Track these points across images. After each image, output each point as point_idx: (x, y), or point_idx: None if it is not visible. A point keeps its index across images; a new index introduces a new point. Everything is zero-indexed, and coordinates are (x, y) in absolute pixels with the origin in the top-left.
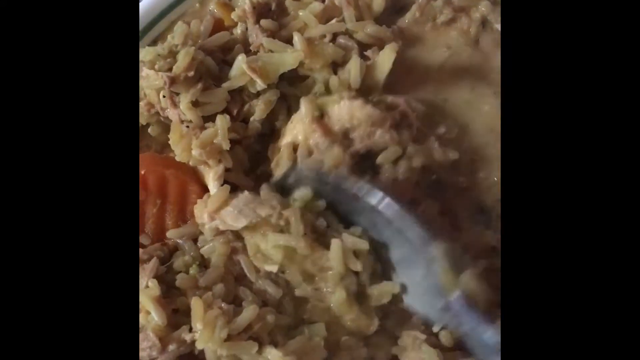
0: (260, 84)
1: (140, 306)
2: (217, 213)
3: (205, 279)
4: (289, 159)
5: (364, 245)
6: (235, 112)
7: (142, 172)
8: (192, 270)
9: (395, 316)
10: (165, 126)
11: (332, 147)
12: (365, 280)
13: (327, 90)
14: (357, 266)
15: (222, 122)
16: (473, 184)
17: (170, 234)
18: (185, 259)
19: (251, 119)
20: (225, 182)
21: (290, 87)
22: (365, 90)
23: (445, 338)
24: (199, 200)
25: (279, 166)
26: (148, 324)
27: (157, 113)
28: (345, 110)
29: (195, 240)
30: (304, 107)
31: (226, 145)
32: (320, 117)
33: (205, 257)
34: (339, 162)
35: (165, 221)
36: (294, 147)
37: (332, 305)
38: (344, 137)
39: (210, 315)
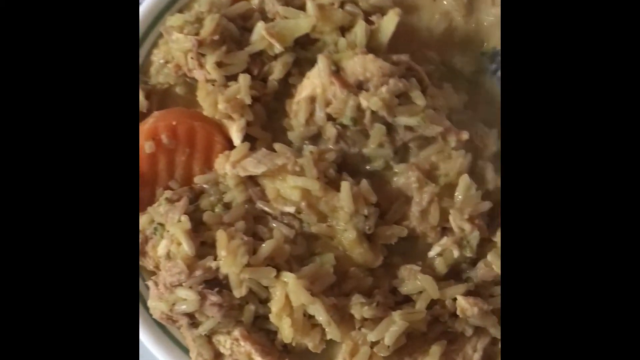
0: (277, 48)
1: (172, 237)
2: (239, 163)
3: (229, 217)
4: (307, 110)
5: (372, 196)
6: (255, 72)
7: (173, 123)
8: (217, 209)
9: (399, 254)
10: (190, 86)
11: (349, 97)
12: (372, 223)
13: (337, 51)
14: (365, 211)
15: (244, 80)
16: None
17: (198, 179)
18: (210, 199)
19: (269, 78)
20: (246, 134)
21: (302, 51)
22: (370, 51)
23: (439, 265)
24: (220, 155)
25: (297, 117)
26: (178, 254)
27: (184, 74)
28: (359, 64)
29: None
30: (321, 63)
31: (248, 100)
32: (336, 71)
33: (228, 201)
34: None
35: (193, 168)
36: (311, 100)
37: (342, 241)
38: (359, 88)
39: (233, 244)
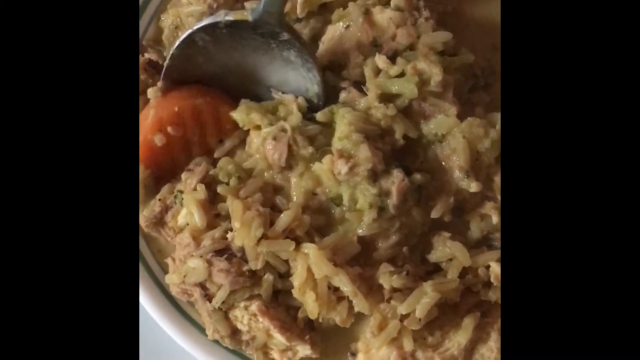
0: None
1: (186, 207)
2: None
3: (246, 190)
4: None
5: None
6: None
7: (175, 109)
8: (232, 182)
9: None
10: None
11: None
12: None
13: None
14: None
15: None
16: None
17: (218, 153)
18: (228, 168)
19: None
20: None
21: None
22: None
23: (473, 231)
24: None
25: None
26: (189, 225)
27: None
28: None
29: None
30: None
31: None
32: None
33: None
34: None
35: (209, 144)
36: None
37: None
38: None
39: (247, 216)
